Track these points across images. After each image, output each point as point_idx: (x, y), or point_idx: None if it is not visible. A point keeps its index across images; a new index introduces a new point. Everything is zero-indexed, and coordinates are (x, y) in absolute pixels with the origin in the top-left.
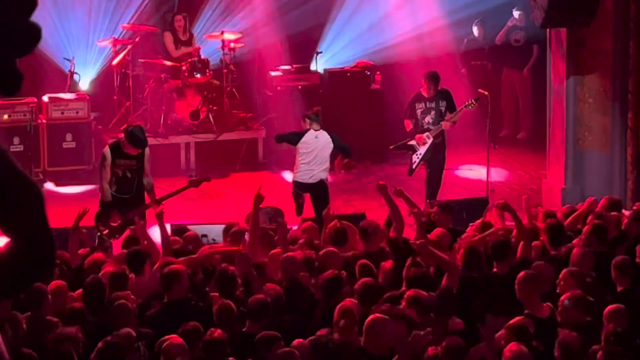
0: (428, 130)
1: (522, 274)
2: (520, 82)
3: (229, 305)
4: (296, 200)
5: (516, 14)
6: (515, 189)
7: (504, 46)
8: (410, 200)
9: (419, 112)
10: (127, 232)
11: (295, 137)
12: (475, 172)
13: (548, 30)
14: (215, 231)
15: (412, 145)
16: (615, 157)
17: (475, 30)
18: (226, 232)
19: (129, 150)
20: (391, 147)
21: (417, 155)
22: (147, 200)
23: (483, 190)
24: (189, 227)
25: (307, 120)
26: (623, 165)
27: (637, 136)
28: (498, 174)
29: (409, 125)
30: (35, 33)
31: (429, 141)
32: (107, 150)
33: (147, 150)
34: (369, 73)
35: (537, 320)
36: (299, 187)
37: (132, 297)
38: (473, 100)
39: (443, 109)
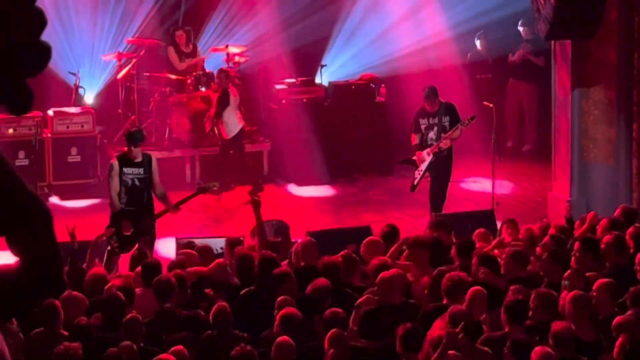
0: (431, 146)
1: (575, 293)
2: (526, 93)
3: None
4: None
5: (521, 29)
6: (520, 201)
7: (507, 58)
8: None
9: (422, 127)
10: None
11: None
12: (480, 184)
13: (552, 42)
14: (220, 245)
15: (414, 161)
16: (620, 168)
17: (478, 43)
18: (229, 246)
19: (135, 156)
20: (398, 161)
21: (418, 171)
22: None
23: (488, 203)
24: (195, 240)
25: None
26: (628, 176)
27: None
28: (503, 187)
29: (414, 139)
30: (45, 52)
31: (428, 158)
32: (114, 161)
33: (154, 161)
34: (373, 86)
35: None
36: None
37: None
38: (469, 119)
39: (447, 124)
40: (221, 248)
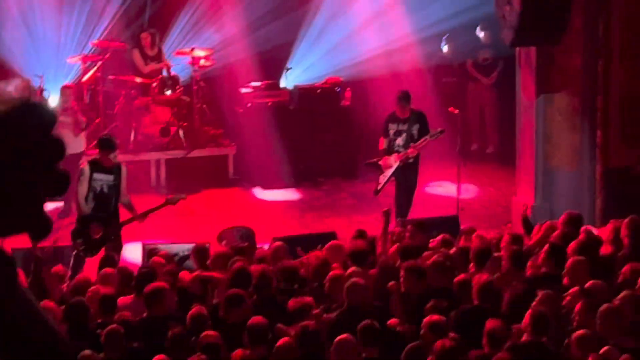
0: (398, 152)
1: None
2: (486, 96)
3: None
4: None
5: (480, 33)
6: (485, 206)
7: (473, 63)
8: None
9: (391, 132)
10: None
11: None
12: (445, 188)
13: (517, 48)
14: (186, 251)
15: (380, 166)
16: (584, 174)
17: (445, 47)
18: (196, 253)
19: (106, 163)
20: (365, 163)
21: (383, 176)
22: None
23: (453, 208)
24: (160, 247)
25: None
26: (592, 182)
27: (606, 154)
28: (468, 191)
29: (382, 144)
30: (63, 180)
31: (395, 165)
32: (85, 166)
33: (124, 169)
34: (338, 90)
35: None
36: None
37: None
38: (437, 132)
39: (415, 132)
40: (188, 250)
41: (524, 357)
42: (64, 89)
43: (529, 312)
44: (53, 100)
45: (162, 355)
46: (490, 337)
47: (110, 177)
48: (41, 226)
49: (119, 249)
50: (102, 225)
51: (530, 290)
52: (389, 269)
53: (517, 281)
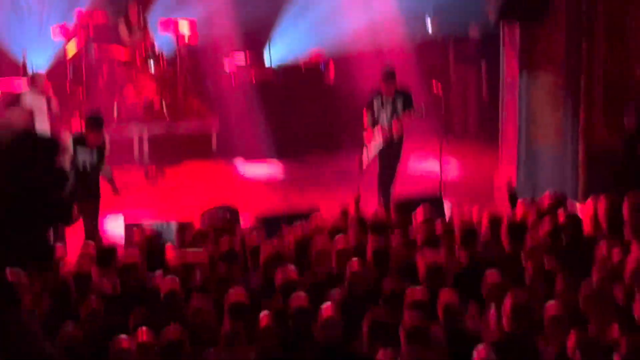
0: (382, 125)
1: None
2: (470, 73)
3: None
4: None
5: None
6: (467, 182)
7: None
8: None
9: (375, 107)
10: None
11: None
12: (427, 165)
13: (501, 26)
14: (169, 229)
15: (366, 147)
16: (567, 153)
17: (428, 24)
18: (180, 231)
19: (90, 139)
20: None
21: (366, 151)
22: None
23: (436, 186)
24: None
25: None
26: (575, 161)
27: (589, 133)
28: (450, 168)
29: (366, 118)
30: (66, 209)
31: (379, 141)
32: (68, 141)
33: (107, 146)
34: (322, 67)
35: None
36: None
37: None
38: (422, 108)
39: (399, 107)
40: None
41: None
42: (36, 75)
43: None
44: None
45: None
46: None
47: (94, 154)
48: (42, 253)
49: (96, 212)
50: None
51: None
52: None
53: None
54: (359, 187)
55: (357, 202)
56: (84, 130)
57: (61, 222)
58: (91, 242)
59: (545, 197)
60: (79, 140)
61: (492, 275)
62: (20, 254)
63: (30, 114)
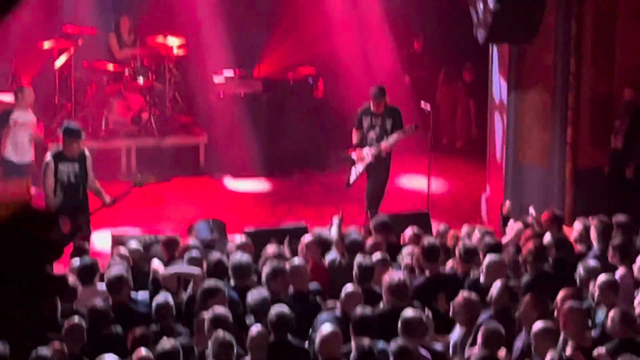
0: (371, 145)
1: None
2: (459, 92)
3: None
4: None
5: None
6: (455, 200)
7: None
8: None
9: (365, 125)
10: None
11: None
12: (415, 182)
13: (490, 46)
14: (156, 243)
15: (353, 159)
16: (554, 172)
17: (416, 40)
18: (166, 246)
19: (70, 152)
20: (340, 156)
21: (355, 169)
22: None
23: (424, 202)
24: (130, 237)
25: None
26: (562, 180)
27: (576, 152)
28: (438, 185)
29: (355, 136)
30: (60, 247)
31: (367, 160)
32: (49, 158)
33: (89, 156)
34: (311, 81)
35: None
36: None
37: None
38: (411, 127)
39: (389, 126)
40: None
41: None
42: (22, 90)
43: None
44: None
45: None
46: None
47: (76, 166)
48: (43, 284)
49: (88, 237)
50: (70, 218)
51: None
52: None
53: None
54: (341, 209)
55: (340, 219)
56: (61, 144)
57: (50, 296)
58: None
59: (543, 216)
60: (58, 155)
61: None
62: (7, 327)
63: (28, 186)
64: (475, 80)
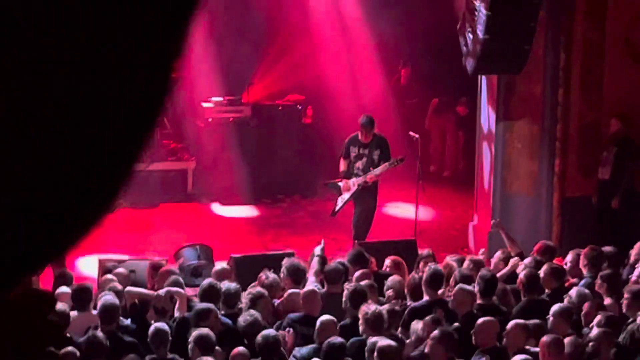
0: (357, 175)
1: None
2: (448, 120)
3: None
4: None
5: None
6: (442, 229)
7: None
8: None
9: (352, 155)
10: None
11: None
12: (403, 210)
13: (479, 75)
14: (143, 267)
15: (339, 187)
16: (541, 202)
17: (404, 67)
18: (152, 270)
19: None
20: (324, 183)
21: (341, 198)
22: None
23: (411, 229)
24: (118, 264)
25: None
26: (549, 210)
27: (564, 181)
28: (425, 213)
29: (342, 165)
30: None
31: (353, 189)
32: None
33: None
34: (300, 107)
35: None
36: None
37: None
38: (398, 160)
39: (376, 157)
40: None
41: None
42: None
43: None
44: None
45: None
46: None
47: None
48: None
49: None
50: None
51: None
52: None
53: None
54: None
55: (322, 249)
56: None
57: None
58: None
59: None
60: None
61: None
62: None
63: None
64: (468, 114)
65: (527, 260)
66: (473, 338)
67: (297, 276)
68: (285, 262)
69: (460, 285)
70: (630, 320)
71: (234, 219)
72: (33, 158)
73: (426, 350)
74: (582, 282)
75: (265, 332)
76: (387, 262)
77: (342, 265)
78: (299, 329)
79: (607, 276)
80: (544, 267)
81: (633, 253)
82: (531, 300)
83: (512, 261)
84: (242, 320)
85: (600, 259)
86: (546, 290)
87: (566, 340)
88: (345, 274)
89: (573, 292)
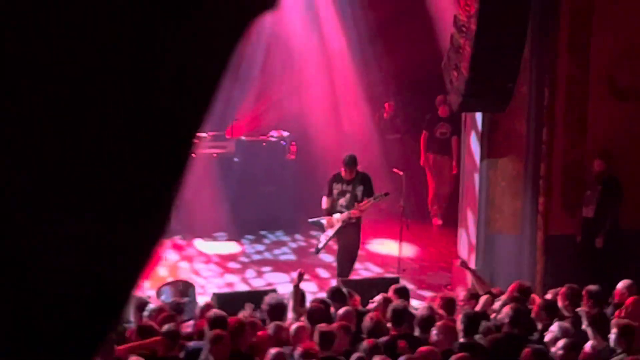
0: (341, 212)
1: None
2: (445, 167)
3: None
4: None
5: (439, 107)
6: (426, 266)
7: (429, 135)
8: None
9: (335, 192)
10: None
11: None
12: (386, 247)
13: (463, 113)
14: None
15: (323, 225)
16: (525, 240)
17: (388, 104)
18: (137, 308)
19: None
20: (308, 220)
21: (325, 235)
22: None
23: (394, 267)
24: None
25: None
26: (533, 248)
27: (548, 220)
28: (409, 250)
29: (325, 203)
30: None
31: (337, 225)
32: None
33: None
34: (284, 143)
35: None
36: None
37: None
38: (381, 195)
39: (359, 193)
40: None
41: None
42: None
43: None
44: None
45: None
46: None
47: None
48: None
49: None
50: None
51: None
52: None
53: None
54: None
55: (301, 278)
56: None
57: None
58: None
59: (512, 288)
60: None
61: None
62: None
63: None
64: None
65: (502, 298)
66: None
67: (279, 312)
68: (268, 298)
69: (444, 321)
70: (619, 352)
71: (216, 255)
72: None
73: None
74: (558, 323)
75: None
76: (378, 298)
77: (323, 304)
78: None
79: (594, 315)
80: (539, 302)
81: (617, 292)
82: (510, 335)
83: (482, 299)
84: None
85: (579, 297)
86: (539, 326)
87: None
88: (327, 311)
89: (554, 327)
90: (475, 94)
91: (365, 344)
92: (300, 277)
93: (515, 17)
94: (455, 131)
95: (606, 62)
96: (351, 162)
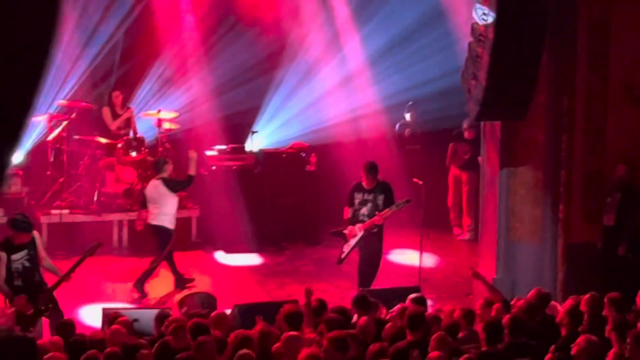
0: (362, 221)
1: None
2: (468, 181)
3: None
4: None
5: (407, 115)
6: (446, 276)
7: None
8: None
9: (356, 201)
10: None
11: None
12: (408, 257)
13: (482, 122)
14: (147, 316)
15: (345, 234)
16: (546, 248)
17: (407, 114)
18: (158, 320)
19: (19, 240)
20: (330, 232)
21: (347, 245)
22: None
23: (415, 277)
24: (122, 312)
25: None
26: (554, 256)
27: (568, 228)
28: (430, 260)
29: (347, 213)
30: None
31: (359, 234)
32: (1, 252)
33: (37, 237)
34: (304, 155)
35: None
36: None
37: None
38: (403, 202)
39: (380, 202)
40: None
41: None
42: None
43: None
44: (16, 157)
45: None
46: None
47: (26, 252)
48: None
49: (59, 314)
50: (29, 299)
51: None
52: None
53: None
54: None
55: (309, 294)
56: (10, 234)
57: None
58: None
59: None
60: (7, 247)
61: None
62: None
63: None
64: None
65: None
66: None
67: (295, 322)
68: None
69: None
70: None
71: (237, 267)
72: None
73: None
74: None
75: None
76: (397, 308)
77: (343, 314)
78: None
79: (618, 322)
80: (563, 309)
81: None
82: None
83: (495, 307)
84: None
85: (602, 305)
86: (563, 332)
87: None
88: (346, 322)
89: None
90: (493, 102)
91: (370, 347)
92: (309, 294)
93: (533, 26)
94: (478, 152)
95: (625, 70)
96: (372, 168)
